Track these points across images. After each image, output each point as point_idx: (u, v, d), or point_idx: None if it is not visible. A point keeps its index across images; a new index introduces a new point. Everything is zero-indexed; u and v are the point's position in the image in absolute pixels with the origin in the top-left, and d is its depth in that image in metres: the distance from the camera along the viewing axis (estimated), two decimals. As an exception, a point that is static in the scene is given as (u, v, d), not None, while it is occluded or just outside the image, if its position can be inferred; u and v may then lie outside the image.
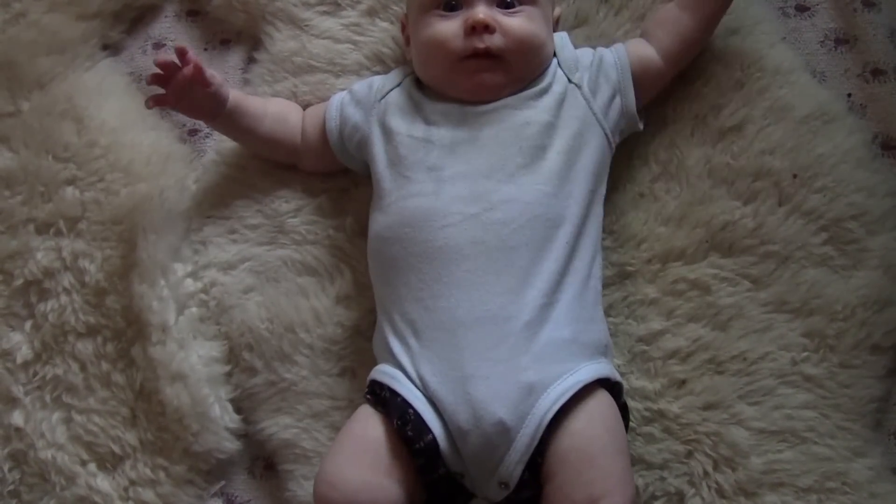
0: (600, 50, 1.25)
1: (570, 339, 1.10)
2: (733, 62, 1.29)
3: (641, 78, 1.24)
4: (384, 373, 1.14)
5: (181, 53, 1.19)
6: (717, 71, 1.30)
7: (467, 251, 1.11)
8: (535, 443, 1.06)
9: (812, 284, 1.23)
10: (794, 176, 1.25)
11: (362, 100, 1.26)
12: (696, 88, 1.29)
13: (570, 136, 1.17)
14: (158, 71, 1.20)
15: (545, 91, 1.19)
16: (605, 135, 1.21)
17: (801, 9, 1.36)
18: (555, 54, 1.24)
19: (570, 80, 1.21)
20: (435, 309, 1.11)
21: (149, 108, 1.23)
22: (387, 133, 1.21)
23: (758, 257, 1.24)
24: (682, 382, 1.23)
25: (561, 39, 1.26)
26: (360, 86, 1.29)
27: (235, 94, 1.27)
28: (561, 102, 1.19)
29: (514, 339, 1.08)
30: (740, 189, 1.26)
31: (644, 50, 1.25)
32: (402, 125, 1.20)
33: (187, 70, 1.19)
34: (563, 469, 1.05)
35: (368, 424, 1.12)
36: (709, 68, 1.30)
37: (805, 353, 1.22)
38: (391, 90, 1.25)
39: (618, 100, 1.22)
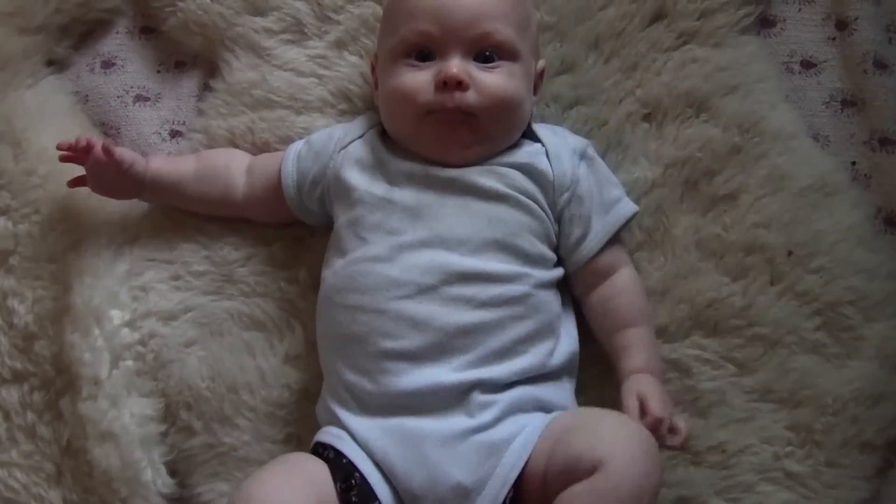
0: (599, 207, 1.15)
1: (533, 399, 1.06)
2: (731, 124, 1.23)
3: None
4: (328, 433, 1.08)
5: (87, 144, 1.19)
6: (713, 133, 1.23)
7: (422, 326, 1.05)
8: (501, 500, 1.00)
9: (802, 373, 1.18)
10: (790, 253, 1.20)
11: (320, 151, 1.18)
12: (689, 151, 1.23)
13: (544, 224, 1.12)
14: (66, 153, 1.20)
15: (522, 169, 1.12)
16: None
17: (806, 65, 1.28)
18: (546, 151, 1.14)
19: (554, 194, 1.13)
20: (383, 382, 1.05)
21: (70, 187, 1.23)
22: (343, 188, 1.14)
23: (745, 340, 1.19)
24: (655, 472, 1.17)
25: (558, 140, 1.16)
26: (319, 136, 1.21)
27: (156, 166, 1.24)
28: (533, 197, 1.12)
29: (474, 404, 1.03)
30: (730, 264, 1.20)
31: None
32: (362, 181, 1.13)
33: (96, 152, 1.18)
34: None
35: (309, 462, 1.05)
36: (704, 130, 1.23)
37: (789, 448, 1.17)
38: (353, 141, 1.17)
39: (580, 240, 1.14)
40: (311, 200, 1.19)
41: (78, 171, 1.23)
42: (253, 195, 1.22)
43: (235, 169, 1.24)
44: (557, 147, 1.14)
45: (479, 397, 1.03)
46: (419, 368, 1.04)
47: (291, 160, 1.20)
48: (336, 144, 1.17)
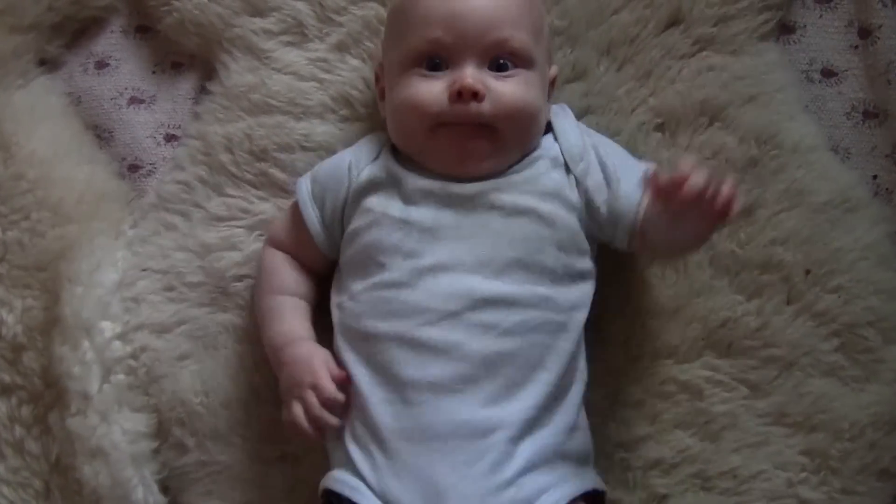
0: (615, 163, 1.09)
1: (554, 450, 1.01)
2: (748, 135, 1.18)
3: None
4: (343, 483, 1.02)
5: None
6: (729, 144, 1.18)
7: (446, 354, 1.00)
8: None
9: (817, 397, 1.14)
10: (807, 272, 1.16)
11: (329, 182, 1.11)
12: (704, 162, 1.17)
13: (569, 230, 1.06)
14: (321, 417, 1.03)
15: (539, 177, 1.07)
16: (595, 235, 1.10)
17: (827, 73, 1.23)
18: (553, 133, 1.10)
19: (569, 171, 1.08)
20: (405, 416, 1.00)
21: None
22: (360, 211, 1.09)
23: (759, 361, 1.15)
24: (663, 498, 1.15)
25: (564, 118, 1.12)
26: (326, 167, 1.13)
27: (306, 338, 1.10)
28: (558, 192, 1.06)
29: (496, 453, 0.99)
30: (745, 282, 1.16)
31: None
32: (377, 202, 1.07)
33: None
34: None
35: None
36: (719, 140, 1.18)
37: (803, 474, 1.14)
38: (368, 164, 1.11)
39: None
40: (338, 232, 1.12)
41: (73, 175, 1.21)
42: (296, 256, 1.14)
43: (280, 265, 1.14)
44: (564, 127, 1.11)
45: (500, 445, 0.98)
46: (444, 400, 0.99)
47: (307, 202, 1.11)
48: (351, 169, 1.10)
